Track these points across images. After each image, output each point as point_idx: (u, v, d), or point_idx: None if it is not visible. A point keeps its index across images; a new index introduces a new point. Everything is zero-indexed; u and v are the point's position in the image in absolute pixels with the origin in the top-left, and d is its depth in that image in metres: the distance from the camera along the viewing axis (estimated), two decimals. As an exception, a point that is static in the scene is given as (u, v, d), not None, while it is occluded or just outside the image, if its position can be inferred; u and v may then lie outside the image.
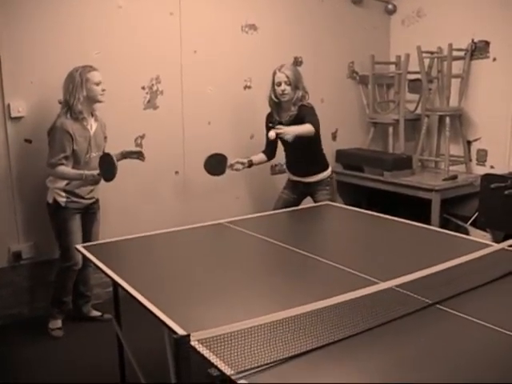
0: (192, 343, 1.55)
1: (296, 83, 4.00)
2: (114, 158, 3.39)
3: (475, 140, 5.16)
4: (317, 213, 3.79)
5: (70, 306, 3.95)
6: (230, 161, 4.09)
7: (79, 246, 2.92)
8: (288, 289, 2.29)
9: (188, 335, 1.52)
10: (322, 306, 1.81)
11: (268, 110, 4.21)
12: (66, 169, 3.58)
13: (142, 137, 4.36)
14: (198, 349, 1.60)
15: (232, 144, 4.72)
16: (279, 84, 3.99)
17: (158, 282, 2.40)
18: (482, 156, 5.10)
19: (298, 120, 3.95)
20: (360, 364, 1.66)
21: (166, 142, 4.47)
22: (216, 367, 1.57)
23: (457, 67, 5.03)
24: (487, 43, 4.92)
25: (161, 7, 4.32)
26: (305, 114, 3.97)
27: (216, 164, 4.04)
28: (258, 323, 1.68)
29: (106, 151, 3.69)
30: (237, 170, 4.14)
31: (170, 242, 3.06)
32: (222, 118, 4.74)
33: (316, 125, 3.88)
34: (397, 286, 2.10)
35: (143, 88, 4.33)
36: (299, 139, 3.78)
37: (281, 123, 4.01)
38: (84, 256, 3.69)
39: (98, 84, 3.59)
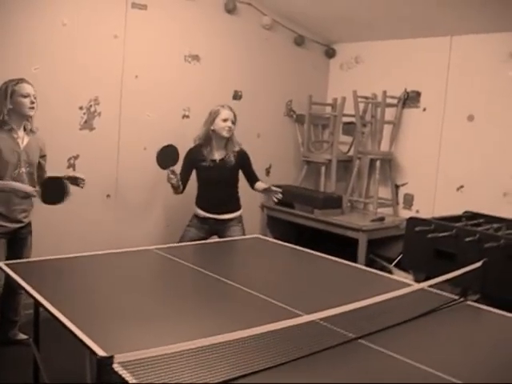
0: (114, 366, 1.52)
1: (235, 124, 4.13)
2: (68, 187, 3.32)
3: (403, 184, 5.36)
4: (247, 245, 3.81)
5: None
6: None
7: (1, 264, 2.80)
8: (213, 317, 2.28)
9: (111, 357, 1.49)
10: (246, 335, 1.82)
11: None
12: None
13: (76, 157, 4.28)
14: (120, 372, 1.58)
15: (166, 171, 4.70)
16: (226, 120, 4.06)
17: (81, 303, 2.34)
18: (409, 200, 5.30)
19: (237, 164, 4.15)
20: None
21: (99, 165, 4.41)
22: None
23: (389, 114, 5.25)
24: (418, 94, 5.17)
25: (106, 29, 4.31)
26: (247, 163, 4.24)
27: (169, 155, 4.08)
28: (183, 348, 1.67)
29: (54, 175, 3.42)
30: (170, 179, 4.05)
31: (98, 264, 3.00)
32: (157, 144, 4.66)
33: None
34: (321, 319, 2.14)
35: (81, 108, 4.27)
36: (230, 177, 4.11)
37: (214, 161, 4.12)
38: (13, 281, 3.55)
39: (25, 96, 3.34)
